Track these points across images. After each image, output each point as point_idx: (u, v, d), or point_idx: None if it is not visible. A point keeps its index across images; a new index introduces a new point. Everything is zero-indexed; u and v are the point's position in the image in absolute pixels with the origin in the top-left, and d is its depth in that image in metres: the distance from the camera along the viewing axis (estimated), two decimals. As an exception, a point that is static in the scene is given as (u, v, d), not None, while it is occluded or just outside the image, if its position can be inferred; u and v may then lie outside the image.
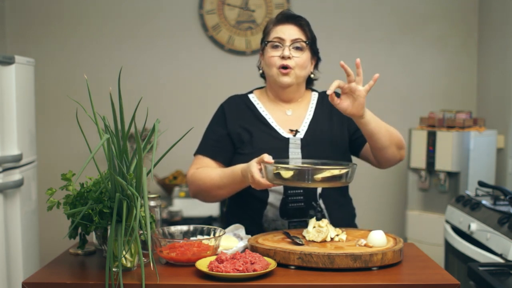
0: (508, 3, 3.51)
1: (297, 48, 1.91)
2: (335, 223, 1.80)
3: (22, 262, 2.69)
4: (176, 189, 3.62)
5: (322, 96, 2.05)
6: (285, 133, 1.95)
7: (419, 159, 3.43)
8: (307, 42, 1.93)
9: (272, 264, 1.48)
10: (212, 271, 1.42)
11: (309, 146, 1.92)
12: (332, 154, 1.92)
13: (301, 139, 1.93)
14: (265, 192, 1.90)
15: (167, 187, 3.74)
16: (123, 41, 3.92)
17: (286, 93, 1.98)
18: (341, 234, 1.69)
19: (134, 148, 1.43)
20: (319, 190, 1.91)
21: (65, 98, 3.62)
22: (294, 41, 1.90)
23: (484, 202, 2.71)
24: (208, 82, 3.96)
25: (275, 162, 1.70)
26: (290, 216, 1.89)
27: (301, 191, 1.88)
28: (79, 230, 1.59)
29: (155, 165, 1.47)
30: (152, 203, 1.70)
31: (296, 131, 1.95)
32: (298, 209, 1.89)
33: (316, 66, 2.03)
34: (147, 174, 1.47)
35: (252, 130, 1.95)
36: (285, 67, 1.90)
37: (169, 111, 3.90)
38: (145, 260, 1.53)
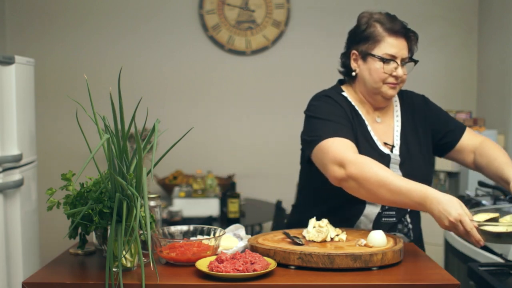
0: (508, 3, 3.51)
1: (403, 64, 1.91)
2: (416, 236, 1.90)
3: (22, 262, 2.69)
4: (176, 189, 3.61)
5: (402, 98, 2.04)
6: (382, 147, 1.88)
7: (419, 159, 3.42)
8: (415, 61, 1.95)
9: (272, 264, 1.48)
10: (212, 271, 1.42)
11: (405, 162, 1.88)
12: (425, 169, 1.91)
13: (399, 155, 1.89)
14: (362, 204, 1.85)
15: (167, 187, 3.74)
16: (123, 41, 3.92)
17: (385, 103, 1.95)
18: (341, 234, 1.69)
19: (134, 148, 1.42)
20: None
21: (65, 98, 3.62)
22: (404, 60, 1.91)
23: (484, 202, 2.71)
24: (208, 82, 3.96)
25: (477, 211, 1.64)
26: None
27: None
28: (79, 230, 1.59)
29: (155, 165, 1.46)
30: (152, 203, 1.69)
31: (392, 146, 1.90)
32: (389, 223, 1.87)
33: None
34: (147, 174, 1.47)
35: (357, 138, 1.85)
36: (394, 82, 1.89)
37: (169, 111, 3.90)
38: (145, 260, 1.53)
